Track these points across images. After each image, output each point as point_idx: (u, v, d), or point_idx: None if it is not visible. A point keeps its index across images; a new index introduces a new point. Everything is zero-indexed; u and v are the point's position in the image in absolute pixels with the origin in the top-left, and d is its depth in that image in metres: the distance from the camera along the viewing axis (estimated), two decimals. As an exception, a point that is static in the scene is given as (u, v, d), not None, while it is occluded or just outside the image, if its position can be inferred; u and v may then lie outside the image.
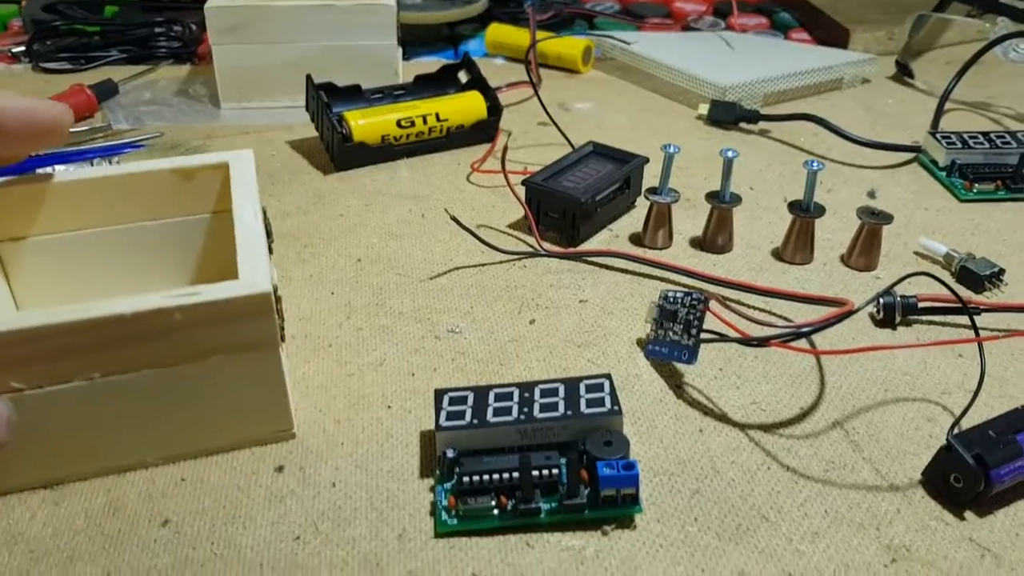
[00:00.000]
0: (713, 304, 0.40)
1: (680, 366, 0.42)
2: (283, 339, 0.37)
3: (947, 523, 0.34)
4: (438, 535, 0.33)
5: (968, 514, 0.34)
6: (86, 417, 0.34)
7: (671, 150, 0.50)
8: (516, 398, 0.36)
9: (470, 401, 0.36)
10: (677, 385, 0.41)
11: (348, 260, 0.50)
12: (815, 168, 0.48)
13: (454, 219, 0.48)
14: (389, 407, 0.39)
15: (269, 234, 0.39)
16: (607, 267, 0.50)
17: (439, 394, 0.36)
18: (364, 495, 0.35)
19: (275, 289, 0.35)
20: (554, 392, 0.36)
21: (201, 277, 0.44)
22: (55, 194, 0.40)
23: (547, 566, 0.32)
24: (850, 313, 0.36)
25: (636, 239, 0.53)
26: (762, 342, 0.37)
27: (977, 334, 0.38)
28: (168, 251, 0.43)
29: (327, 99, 0.60)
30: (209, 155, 0.42)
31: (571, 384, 0.36)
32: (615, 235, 0.54)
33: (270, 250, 0.39)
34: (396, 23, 0.68)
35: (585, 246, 0.52)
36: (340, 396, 0.40)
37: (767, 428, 0.38)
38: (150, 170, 0.41)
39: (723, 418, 0.39)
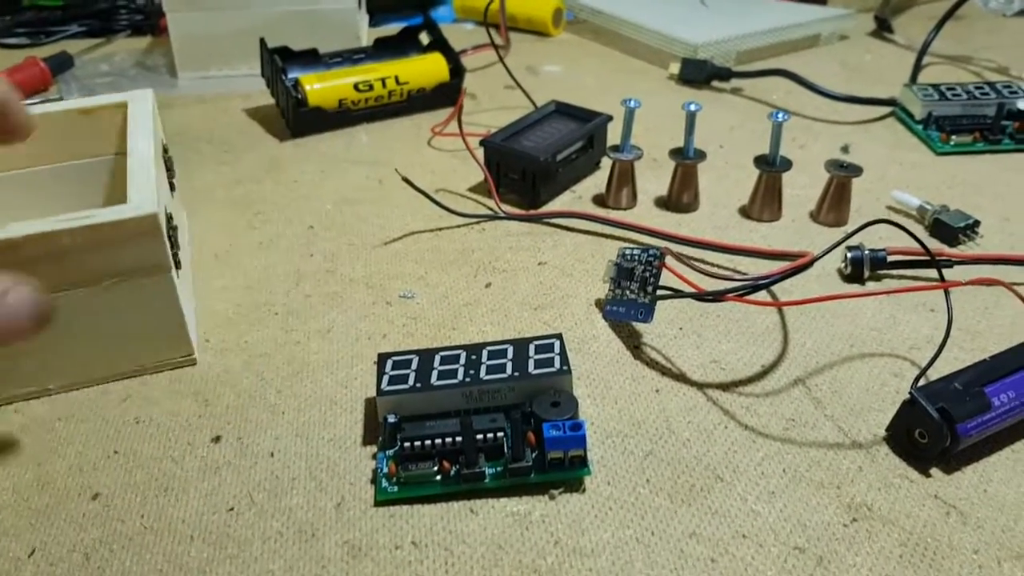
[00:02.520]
0: (669, 260, 0.38)
1: (639, 326, 0.40)
2: (179, 267, 0.37)
3: (912, 480, 0.32)
4: (378, 503, 0.32)
5: (934, 471, 0.33)
6: None
7: (631, 104, 0.48)
8: (463, 360, 0.34)
9: (414, 365, 0.34)
10: (635, 346, 0.39)
11: (300, 227, 0.48)
12: (780, 119, 0.46)
13: (406, 180, 0.46)
14: (334, 375, 0.38)
15: (170, 169, 0.39)
16: (568, 229, 0.48)
17: (382, 358, 0.35)
18: (303, 464, 0.33)
19: (170, 218, 0.36)
20: (502, 354, 0.34)
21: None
22: None
23: (491, 532, 0.30)
24: (807, 264, 0.34)
25: (600, 200, 0.51)
26: (717, 296, 0.36)
27: (943, 280, 0.36)
28: (71, 194, 0.43)
29: (282, 63, 0.58)
30: (109, 95, 0.43)
31: (520, 345, 0.35)
32: (578, 196, 0.52)
33: (172, 187, 0.40)
34: (357, -14, 0.66)
35: (547, 208, 0.51)
36: (284, 364, 0.38)
37: (726, 387, 0.37)
38: (48, 112, 0.41)
39: (681, 378, 0.37)
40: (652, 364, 0.38)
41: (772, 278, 0.35)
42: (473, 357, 0.34)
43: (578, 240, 0.47)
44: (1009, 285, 0.36)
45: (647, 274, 0.39)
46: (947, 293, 0.36)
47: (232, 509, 0.32)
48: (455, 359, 0.34)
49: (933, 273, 0.43)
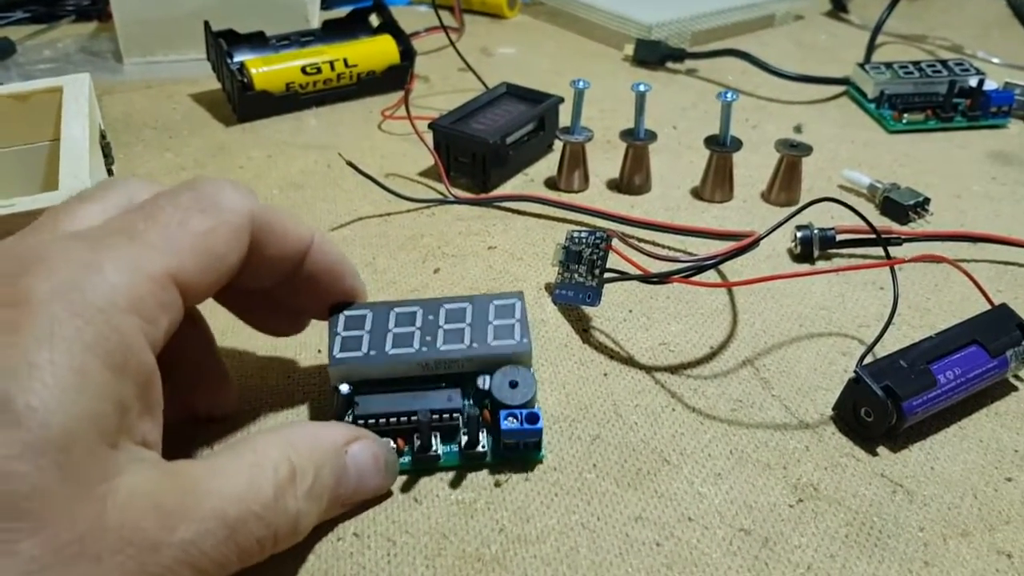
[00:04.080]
0: (616, 242, 0.38)
1: (589, 309, 0.40)
2: None
3: (858, 459, 0.32)
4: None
5: (881, 449, 0.33)
6: None
7: (580, 85, 0.48)
8: (419, 322, 0.32)
9: (368, 324, 0.32)
10: (584, 329, 0.39)
11: (245, 213, 0.47)
12: (729, 99, 0.46)
13: (351, 164, 0.46)
14: (278, 365, 0.37)
15: (108, 156, 0.38)
16: (520, 212, 0.48)
17: (334, 311, 0.32)
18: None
19: None
20: (460, 315, 0.33)
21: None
22: None
23: (435, 521, 0.30)
24: (752, 244, 0.34)
25: (552, 183, 0.51)
26: (663, 278, 0.35)
27: (889, 258, 0.36)
28: (7, 182, 0.43)
29: (227, 47, 0.57)
30: (44, 80, 0.42)
31: (480, 304, 0.33)
32: (530, 179, 0.51)
33: (110, 174, 0.39)
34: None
35: (498, 191, 0.50)
36: (226, 357, 0.37)
37: (674, 369, 0.36)
38: None
39: (629, 361, 0.37)
40: (600, 348, 0.38)
41: (716, 259, 0.35)
42: (430, 318, 0.33)
43: (529, 223, 0.47)
44: (953, 261, 0.36)
45: (594, 257, 0.38)
46: (893, 270, 0.36)
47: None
48: (411, 319, 0.33)
49: (882, 251, 0.43)
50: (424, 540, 0.29)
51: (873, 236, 0.41)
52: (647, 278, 0.36)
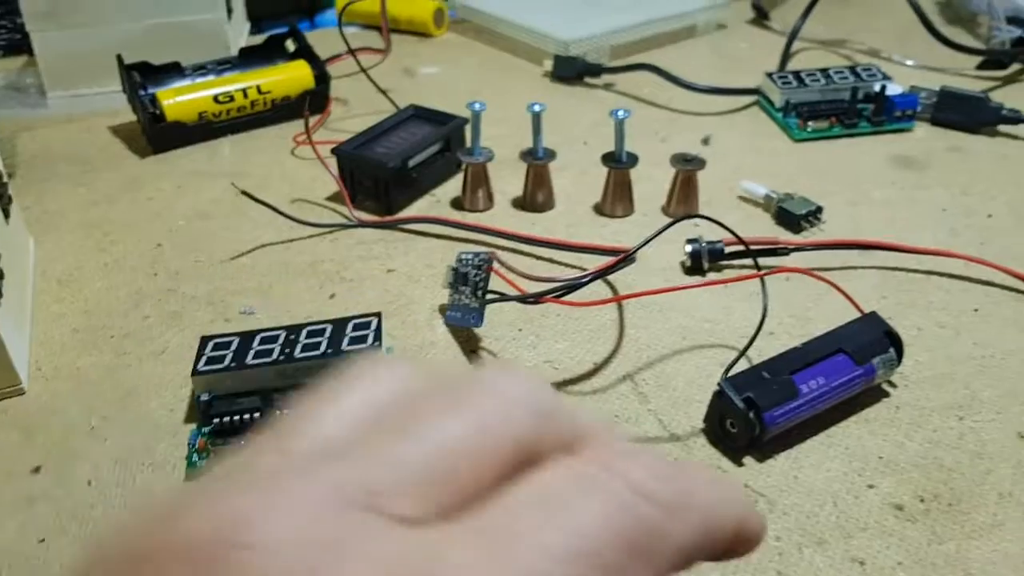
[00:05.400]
0: (499, 264, 0.38)
1: (479, 330, 0.40)
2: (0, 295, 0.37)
3: (725, 470, 0.33)
4: (188, 479, 0.32)
5: (748, 460, 0.33)
6: None
7: (476, 107, 0.48)
8: (281, 340, 0.35)
9: (233, 346, 0.35)
10: (472, 350, 0.39)
11: (148, 246, 0.48)
12: (621, 117, 0.47)
13: (245, 193, 0.46)
14: (161, 398, 0.37)
15: (3, 196, 0.40)
16: (423, 234, 0.48)
17: (204, 341, 0.36)
18: (120, 492, 0.33)
19: None
20: (320, 333, 0.36)
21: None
22: None
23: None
24: (623, 261, 0.35)
25: (459, 203, 0.52)
26: (537, 299, 0.36)
27: (758, 269, 0.37)
28: None
29: (140, 78, 0.57)
30: None
31: (339, 324, 0.36)
32: (437, 200, 0.52)
33: (6, 213, 0.40)
34: (223, -5, 0.66)
35: (405, 213, 0.51)
36: (112, 390, 0.38)
37: (556, 386, 0.37)
38: None
39: (511, 380, 0.37)
40: (485, 368, 0.38)
41: (589, 276, 0.35)
42: (292, 337, 0.35)
43: (431, 245, 0.47)
44: (807, 270, 0.37)
45: (477, 279, 0.39)
46: (763, 281, 0.37)
47: (43, 540, 0.31)
48: (274, 339, 0.35)
49: (770, 262, 0.44)
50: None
51: (760, 248, 0.42)
52: (524, 298, 0.37)
